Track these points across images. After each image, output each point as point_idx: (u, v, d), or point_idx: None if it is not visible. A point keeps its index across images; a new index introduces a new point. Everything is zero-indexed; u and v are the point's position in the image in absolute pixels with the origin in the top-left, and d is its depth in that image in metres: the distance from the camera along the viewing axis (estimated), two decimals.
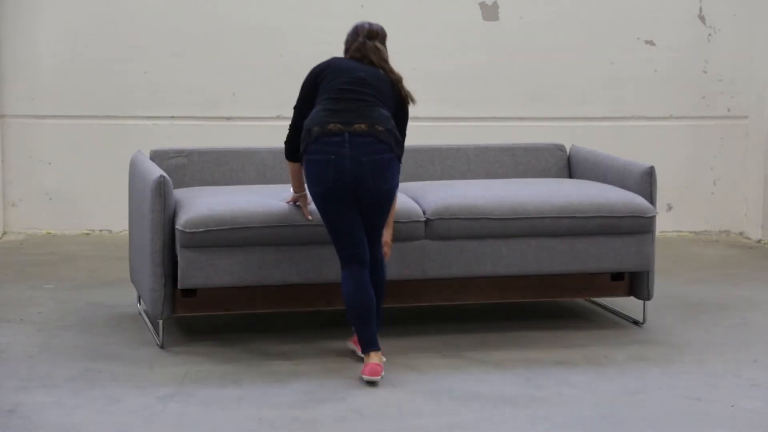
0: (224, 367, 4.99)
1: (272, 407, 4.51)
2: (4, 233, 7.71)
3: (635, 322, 5.77)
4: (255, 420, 4.37)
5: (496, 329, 5.62)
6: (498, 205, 5.39)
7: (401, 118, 5.08)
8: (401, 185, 5.70)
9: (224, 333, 5.48)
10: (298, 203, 5.21)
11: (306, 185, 5.02)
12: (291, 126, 5.08)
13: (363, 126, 4.86)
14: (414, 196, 5.49)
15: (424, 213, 5.36)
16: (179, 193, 5.41)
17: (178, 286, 5.14)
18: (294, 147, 5.04)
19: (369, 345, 4.88)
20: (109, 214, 7.78)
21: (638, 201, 5.53)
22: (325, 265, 5.22)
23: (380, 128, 4.87)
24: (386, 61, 5.11)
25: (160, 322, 5.22)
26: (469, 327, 5.64)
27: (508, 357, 5.18)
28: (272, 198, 5.26)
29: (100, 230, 7.82)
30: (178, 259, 5.11)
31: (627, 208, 5.49)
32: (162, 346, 5.24)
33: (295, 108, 5.10)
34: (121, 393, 4.63)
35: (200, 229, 5.08)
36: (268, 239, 5.16)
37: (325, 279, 5.24)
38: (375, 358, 4.84)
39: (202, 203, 5.16)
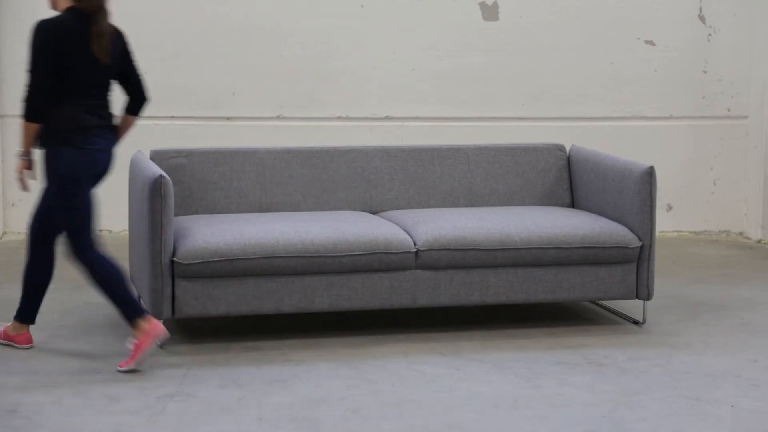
0: (224, 367, 4.99)
1: (272, 407, 4.51)
2: (4, 233, 7.71)
3: (635, 322, 5.78)
4: (255, 420, 4.37)
5: (496, 329, 5.62)
6: (486, 237, 5.50)
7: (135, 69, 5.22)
8: (392, 214, 5.86)
9: (224, 333, 5.49)
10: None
11: (63, 172, 4.97)
12: (38, 87, 4.98)
13: (110, 122, 5.12)
14: (405, 228, 5.57)
15: (415, 244, 5.44)
16: (176, 223, 5.43)
17: (174, 316, 5.22)
18: (41, 108, 5.01)
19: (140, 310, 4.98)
20: (109, 214, 7.76)
21: (623, 232, 5.63)
22: (316, 295, 5.32)
23: (114, 124, 5.17)
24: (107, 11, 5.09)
25: (160, 322, 5.22)
26: (469, 327, 5.64)
27: (508, 357, 5.18)
28: (265, 228, 5.33)
29: (100, 230, 7.81)
30: (175, 289, 5.19)
31: (612, 238, 5.58)
32: (162, 346, 5.24)
33: (39, 72, 4.97)
34: (121, 393, 4.63)
35: (196, 261, 5.15)
36: (261, 269, 5.26)
37: (317, 308, 5.36)
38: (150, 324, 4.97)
39: (198, 235, 5.22)
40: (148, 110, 7.66)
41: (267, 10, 7.75)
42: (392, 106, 7.86)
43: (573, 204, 6.22)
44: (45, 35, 4.90)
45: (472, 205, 6.11)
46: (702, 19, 8.01)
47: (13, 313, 5.81)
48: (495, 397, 4.66)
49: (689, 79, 8.05)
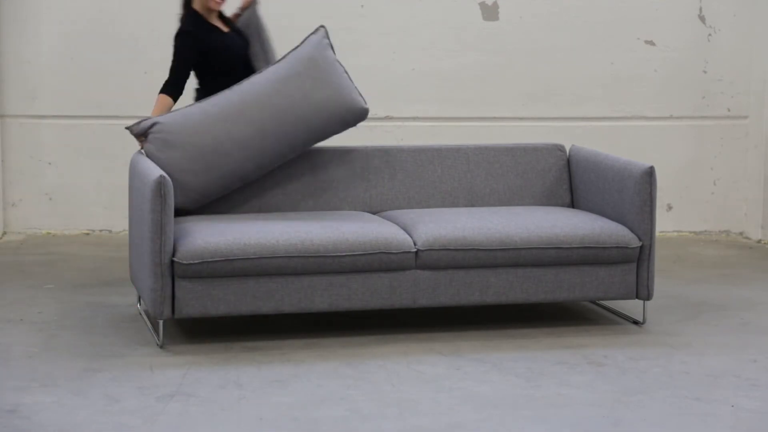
0: (224, 367, 4.99)
1: (272, 407, 4.51)
2: (4, 233, 7.71)
3: (635, 322, 5.78)
4: (255, 420, 4.37)
5: (496, 329, 5.62)
6: (486, 237, 5.49)
7: None
8: (392, 213, 5.86)
9: (224, 333, 5.49)
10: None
11: None
12: None
13: None
14: (405, 228, 5.56)
15: (414, 244, 5.44)
16: (176, 223, 5.41)
17: (174, 316, 5.21)
18: None
19: None
20: (109, 214, 7.78)
21: (623, 232, 5.62)
22: (316, 295, 5.33)
23: None
24: None
25: (160, 322, 5.22)
26: (469, 327, 5.64)
27: (508, 357, 5.18)
28: (265, 228, 5.33)
29: (100, 230, 7.83)
30: (175, 289, 5.18)
31: (612, 239, 5.58)
32: (162, 346, 5.24)
33: None
34: (121, 393, 4.63)
35: (196, 261, 5.14)
36: (261, 269, 5.25)
37: (317, 308, 5.35)
38: None
39: (198, 235, 5.21)
40: (147, 110, 7.71)
41: (267, 10, 7.74)
42: (392, 106, 7.87)
43: (573, 204, 6.22)
44: None
45: (472, 205, 6.11)
46: (702, 19, 8.02)
47: (14, 313, 5.82)
48: (495, 397, 4.67)
49: (689, 79, 8.05)
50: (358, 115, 5.79)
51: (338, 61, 5.77)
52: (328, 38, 5.80)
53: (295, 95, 5.63)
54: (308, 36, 5.80)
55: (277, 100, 5.62)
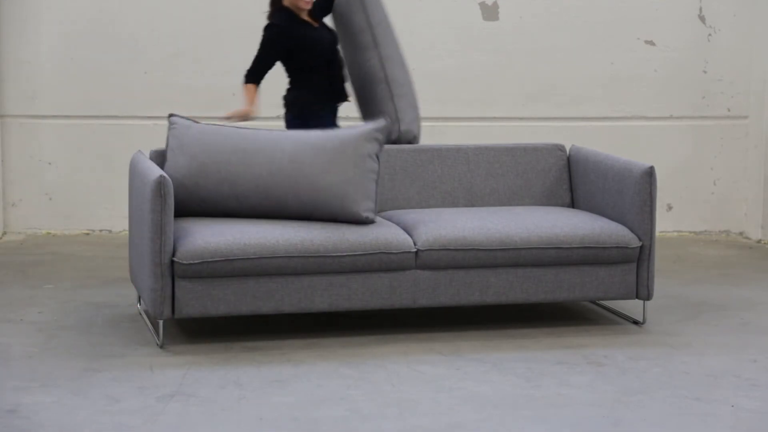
0: (224, 367, 4.99)
1: (272, 407, 4.51)
2: (4, 233, 7.71)
3: (635, 322, 5.78)
4: (255, 420, 4.37)
5: (496, 329, 5.62)
6: (486, 237, 5.49)
7: None
8: (392, 214, 5.86)
9: (224, 333, 5.49)
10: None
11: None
12: None
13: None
14: (405, 228, 5.56)
15: (415, 244, 5.44)
16: (176, 223, 5.40)
17: (174, 316, 5.21)
18: None
19: None
20: (109, 214, 7.78)
21: (623, 232, 5.62)
22: (316, 295, 5.33)
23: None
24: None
25: (160, 322, 5.23)
26: (469, 327, 5.64)
27: (508, 357, 5.18)
28: (265, 228, 5.33)
29: (100, 230, 7.83)
30: (175, 289, 5.18)
31: (612, 239, 5.58)
32: (162, 346, 5.24)
33: None
34: (121, 393, 4.63)
35: (196, 261, 5.14)
36: (261, 269, 5.25)
37: (317, 308, 5.35)
38: None
39: (198, 235, 5.21)
40: (147, 110, 7.73)
41: (267, 10, 7.74)
42: None
43: (573, 204, 6.22)
44: None
45: (472, 205, 6.11)
46: (702, 19, 8.02)
47: (14, 313, 5.81)
48: (495, 397, 4.67)
49: (689, 79, 8.05)
50: (352, 221, 5.43)
51: (377, 162, 5.44)
52: (381, 134, 5.46)
53: (304, 167, 5.38)
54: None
55: (287, 159, 5.38)
